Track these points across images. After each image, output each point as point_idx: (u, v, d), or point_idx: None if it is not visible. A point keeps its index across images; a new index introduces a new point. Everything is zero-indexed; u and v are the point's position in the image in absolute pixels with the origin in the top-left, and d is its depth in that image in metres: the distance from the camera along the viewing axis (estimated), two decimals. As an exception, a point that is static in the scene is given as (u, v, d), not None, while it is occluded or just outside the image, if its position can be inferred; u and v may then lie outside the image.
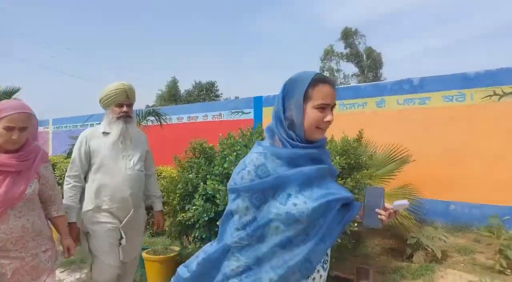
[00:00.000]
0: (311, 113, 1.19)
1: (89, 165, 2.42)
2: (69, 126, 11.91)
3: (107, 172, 2.38)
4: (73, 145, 3.00)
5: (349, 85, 6.75)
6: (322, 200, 1.17)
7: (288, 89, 1.24)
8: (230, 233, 1.21)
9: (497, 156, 4.81)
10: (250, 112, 7.58)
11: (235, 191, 1.22)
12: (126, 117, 2.43)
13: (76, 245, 2.20)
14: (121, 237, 2.42)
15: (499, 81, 4.84)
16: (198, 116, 8.51)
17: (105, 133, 2.44)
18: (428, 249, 3.95)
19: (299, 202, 1.15)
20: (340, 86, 8.40)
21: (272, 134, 1.26)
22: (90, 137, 2.44)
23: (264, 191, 1.19)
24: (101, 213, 2.37)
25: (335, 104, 1.22)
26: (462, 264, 3.97)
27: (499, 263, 3.64)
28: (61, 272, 3.76)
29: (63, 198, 2.31)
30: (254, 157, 1.22)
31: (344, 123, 5.77)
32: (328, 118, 1.20)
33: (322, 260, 1.26)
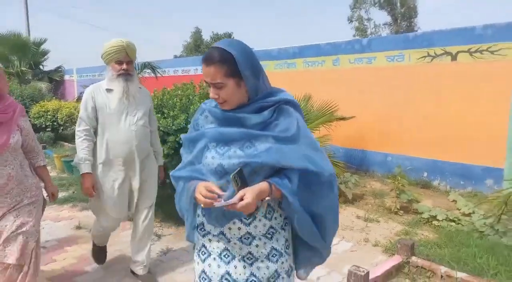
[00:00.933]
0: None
1: (97, 120, 2.50)
2: (90, 75, 13.07)
3: (113, 128, 2.46)
4: (82, 93, 3.43)
5: (355, 39, 7.01)
6: (233, 160, 1.29)
7: None
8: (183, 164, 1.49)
9: (427, 115, 5.24)
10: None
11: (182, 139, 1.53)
12: (126, 75, 2.45)
13: (57, 191, 2.36)
14: (131, 189, 2.58)
15: (433, 43, 5.10)
16: (190, 70, 9.24)
17: (109, 90, 2.49)
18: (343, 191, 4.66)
19: (209, 156, 1.35)
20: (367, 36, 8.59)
21: None
22: (94, 94, 2.50)
23: (191, 141, 1.45)
24: (110, 166, 2.49)
25: (218, 82, 1.27)
26: (369, 205, 4.67)
27: (394, 205, 4.34)
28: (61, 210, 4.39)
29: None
30: (196, 113, 1.52)
31: (307, 79, 6.37)
32: (210, 95, 1.33)
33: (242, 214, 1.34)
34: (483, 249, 2.99)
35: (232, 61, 1.26)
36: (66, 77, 14.83)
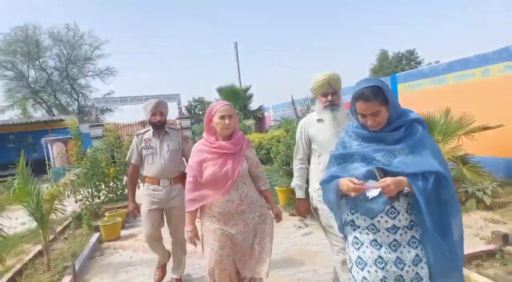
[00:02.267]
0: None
1: (310, 149, 2.68)
2: (280, 110, 15.93)
3: (327, 155, 2.51)
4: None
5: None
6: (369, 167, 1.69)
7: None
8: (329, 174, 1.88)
9: None
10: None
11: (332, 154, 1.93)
12: (332, 105, 2.58)
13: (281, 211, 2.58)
14: None
15: None
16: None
17: (319, 121, 2.64)
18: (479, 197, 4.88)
19: (358, 166, 1.74)
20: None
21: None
22: (307, 126, 2.70)
23: (340, 157, 1.85)
24: None
25: (377, 111, 1.69)
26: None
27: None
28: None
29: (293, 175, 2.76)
30: (343, 133, 1.96)
31: (458, 93, 6.64)
32: (369, 123, 1.73)
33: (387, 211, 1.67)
34: None
35: (382, 93, 1.69)
36: (265, 113, 18.36)
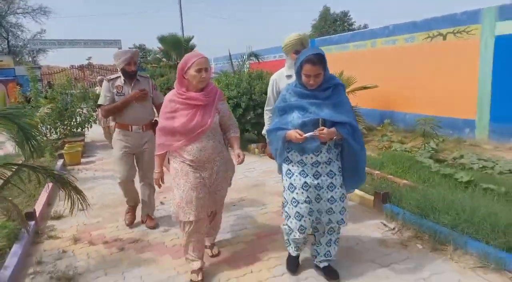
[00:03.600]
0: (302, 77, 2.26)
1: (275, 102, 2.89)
2: (221, 63, 17.15)
3: None
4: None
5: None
6: (312, 116, 2.22)
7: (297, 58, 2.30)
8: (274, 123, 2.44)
9: (426, 85, 6.89)
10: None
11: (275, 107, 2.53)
12: None
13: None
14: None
15: (431, 26, 6.68)
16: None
17: (288, 76, 2.95)
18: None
19: (295, 117, 2.28)
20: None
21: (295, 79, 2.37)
22: (278, 80, 3.03)
23: (282, 109, 2.39)
24: None
25: (319, 73, 2.22)
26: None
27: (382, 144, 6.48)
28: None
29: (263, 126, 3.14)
30: (283, 90, 2.49)
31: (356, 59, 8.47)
32: (311, 82, 2.24)
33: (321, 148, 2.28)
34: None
35: (323, 60, 2.20)
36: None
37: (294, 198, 2.36)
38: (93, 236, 3.53)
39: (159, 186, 2.68)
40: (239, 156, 2.56)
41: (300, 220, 2.37)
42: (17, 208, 3.10)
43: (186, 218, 2.50)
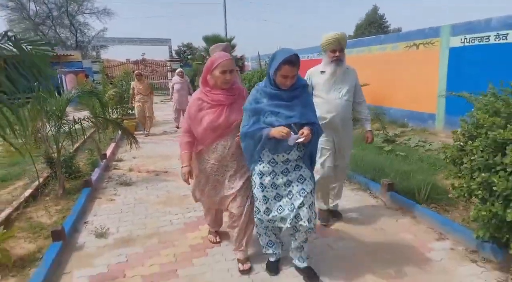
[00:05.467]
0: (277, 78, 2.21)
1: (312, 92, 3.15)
2: (255, 61, 19.16)
3: (322, 100, 3.10)
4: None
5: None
6: (287, 120, 2.23)
7: (272, 59, 2.22)
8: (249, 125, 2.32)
9: (402, 85, 8.48)
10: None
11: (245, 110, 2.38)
12: (337, 61, 3.02)
13: None
14: (335, 149, 3.23)
15: (409, 38, 8.25)
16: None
17: (322, 72, 3.13)
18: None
19: (269, 118, 2.27)
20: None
21: (266, 80, 2.34)
22: (312, 75, 3.22)
23: (255, 111, 2.30)
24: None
25: (295, 74, 2.21)
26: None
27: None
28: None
29: None
30: (253, 90, 2.38)
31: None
32: (287, 83, 2.24)
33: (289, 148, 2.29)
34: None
35: (299, 61, 2.20)
36: (246, 63, 21.56)
37: (264, 196, 2.45)
38: (140, 168, 5.81)
39: (188, 182, 2.63)
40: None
41: (266, 203, 2.45)
42: (99, 147, 5.49)
43: (197, 200, 2.90)
